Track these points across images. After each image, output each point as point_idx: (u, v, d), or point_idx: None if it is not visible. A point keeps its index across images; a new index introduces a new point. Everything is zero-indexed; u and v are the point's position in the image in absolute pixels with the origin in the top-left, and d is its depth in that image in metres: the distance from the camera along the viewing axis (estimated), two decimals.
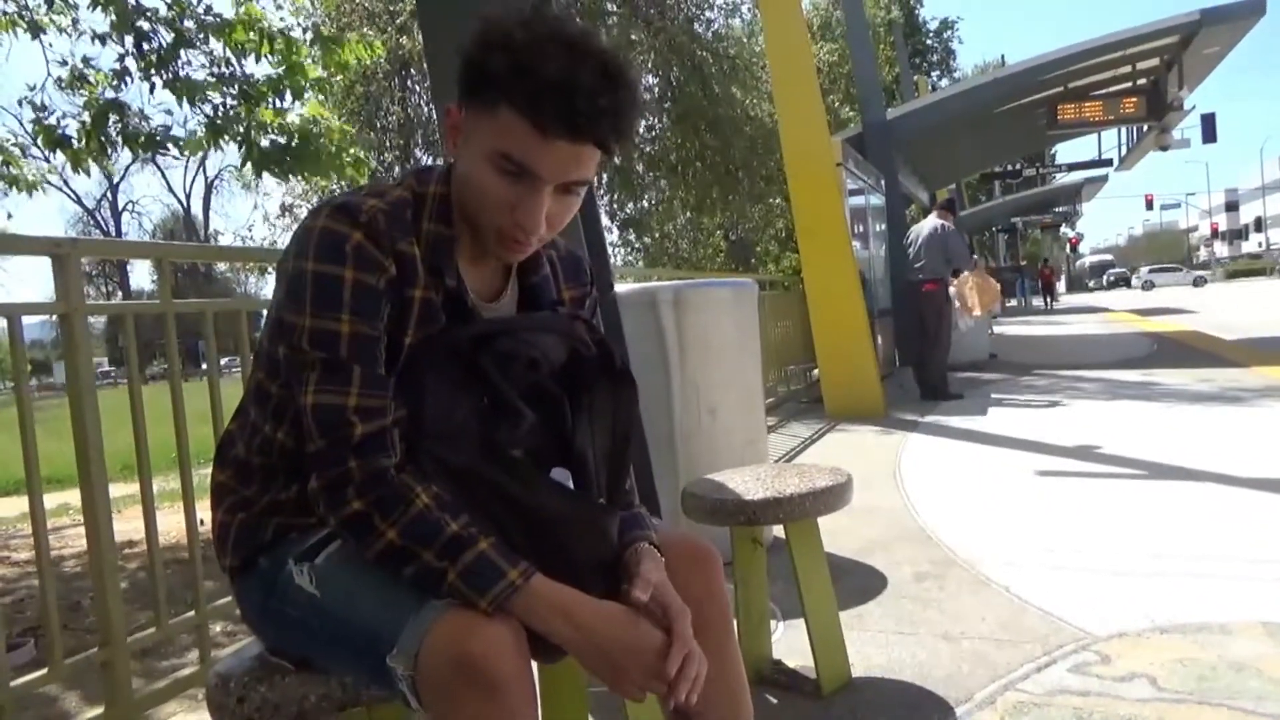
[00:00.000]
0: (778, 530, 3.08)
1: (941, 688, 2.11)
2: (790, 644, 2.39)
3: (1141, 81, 13.14)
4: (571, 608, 1.05)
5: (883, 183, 10.84)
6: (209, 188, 44.72)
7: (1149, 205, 53.46)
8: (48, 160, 6.19)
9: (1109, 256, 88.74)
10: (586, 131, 1.06)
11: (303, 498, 1.14)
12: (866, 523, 3.60)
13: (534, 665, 1.07)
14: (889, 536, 3.44)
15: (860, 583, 2.93)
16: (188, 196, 45.29)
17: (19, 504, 6.13)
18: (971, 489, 4.24)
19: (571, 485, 1.20)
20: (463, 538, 1.05)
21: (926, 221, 7.91)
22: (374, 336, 1.10)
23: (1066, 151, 25.82)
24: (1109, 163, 18.62)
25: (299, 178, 6.34)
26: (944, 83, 26.23)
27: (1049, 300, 31.40)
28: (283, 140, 6.04)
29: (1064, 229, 45.02)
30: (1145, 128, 14.76)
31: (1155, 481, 4.11)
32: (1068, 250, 57.70)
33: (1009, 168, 21.90)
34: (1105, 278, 63.72)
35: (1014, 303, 28.82)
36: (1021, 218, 32.77)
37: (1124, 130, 16.29)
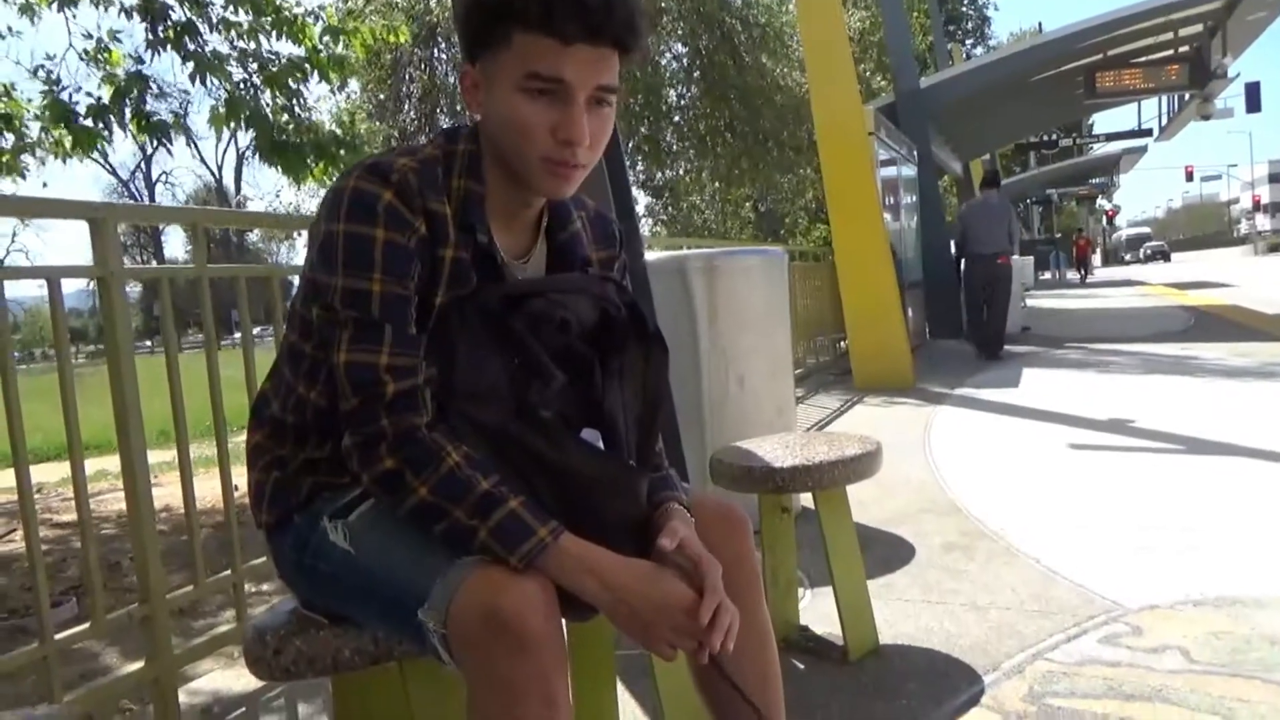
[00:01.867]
0: (806, 500, 3.08)
1: (969, 656, 2.11)
2: (818, 611, 2.39)
3: (1184, 49, 12.80)
4: (601, 566, 1.06)
5: (915, 153, 10.68)
6: (240, 159, 45.04)
7: (1189, 177, 52.47)
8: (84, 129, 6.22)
9: (1146, 229, 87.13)
10: (604, 30, 1.08)
11: (337, 457, 1.15)
12: (895, 494, 3.59)
13: (564, 624, 1.08)
14: (917, 507, 3.43)
15: (888, 553, 2.92)
16: (220, 167, 45.71)
17: (59, 469, 6.26)
18: (1002, 461, 4.20)
19: (601, 446, 1.20)
20: (493, 496, 1.05)
21: (992, 197, 8.56)
22: (405, 296, 1.11)
23: (1104, 121, 25.45)
24: (1149, 133, 18.24)
25: (294, 179, 6.33)
26: (978, 51, 25.77)
27: (1084, 273, 30.82)
28: (295, 140, 6.06)
29: (1101, 201, 44.23)
30: (1187, 96, 14.42)
31: (1190, 456, 4.05)
32: (1104, 223, 56.64)
33: (1045, 138, 21.52)
34: (1143, 251, 62.58)
35: (1047, 275, 28.39)
36: (1057, 189, 32.21)
37: (1164, 99, 15.91)
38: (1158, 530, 2.95)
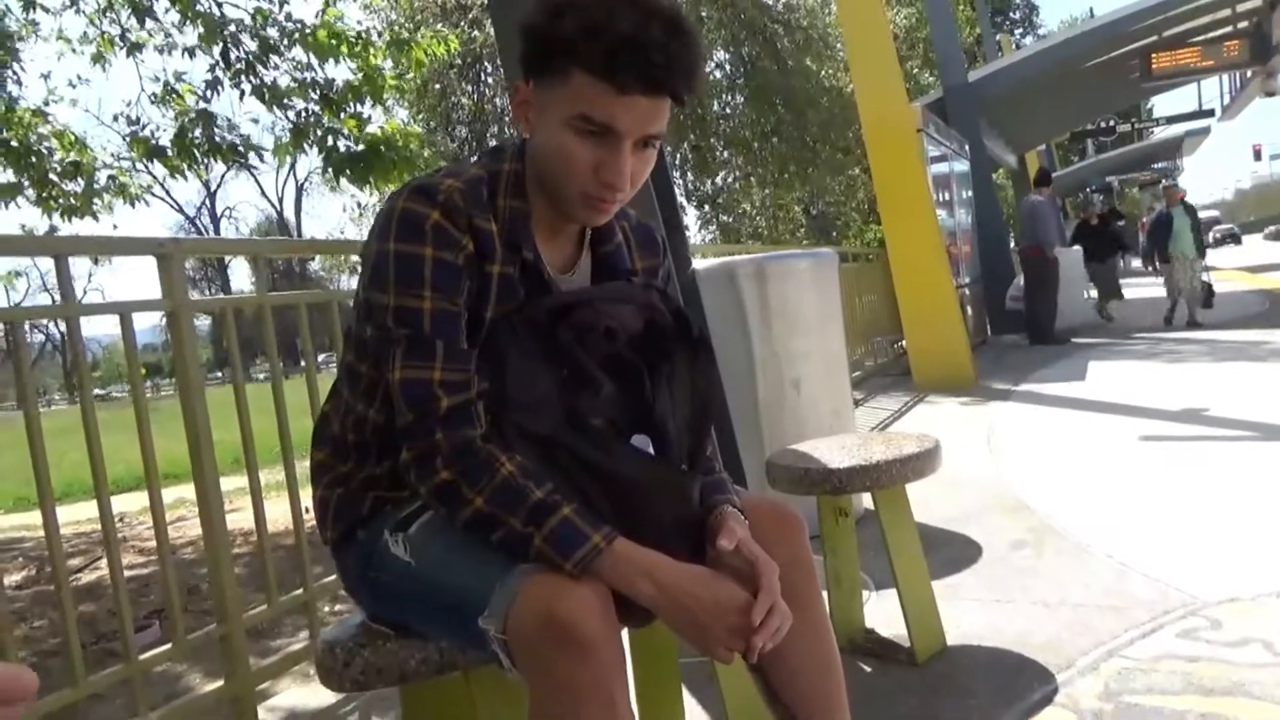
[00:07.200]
0: (868, 502, 3.05)
1: (1041, 655, 2.06)
2: (883, 613, 2.36)
3: (1242, 24, 12.40)
4: (655, 569, 1.07)
5: (966, 148, 10.51)
6: (300, 191, 46.32)
7: (1257, 156, 50.59)
8: (149, 172, 6.53)
9: (1215, 213, 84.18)
10: (663, 84, 1.09)
11: (396, 472, 1.18)
12: (959, 493, 3.53)
13: (625, 632, 1.10)
14: (982, 506, 3.37)
15: (954, 552, 2.87)
16: (280, 200, 47.06)
17: (142, 498, 6.49)
18: (1069, 456, 4.11)
19: (652, 451, 1.21)
20: (547, 504, 1.07)
21: (1040, 196, 9.25)
22: (455, 312, 1.14)
23: (1164, 104, 24.67)
24: (1210, 113, 17.69)
25: (373, 186, 6.49)
26: (1028, 40, 25.27)
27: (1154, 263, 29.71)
28: (359, 148, 6.21)
29: (1164, 184, 42.78)
30: (1249, 73, 13.94)
31: (1266, 443, 3.91)
32: None
33: (1101, 124, 20.95)
34: (1212, 235, 60.51)
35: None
36: (1118, 176, 31.30)
37: (1225, 78, 15.42)
38: (1235, 521, 2.85)
